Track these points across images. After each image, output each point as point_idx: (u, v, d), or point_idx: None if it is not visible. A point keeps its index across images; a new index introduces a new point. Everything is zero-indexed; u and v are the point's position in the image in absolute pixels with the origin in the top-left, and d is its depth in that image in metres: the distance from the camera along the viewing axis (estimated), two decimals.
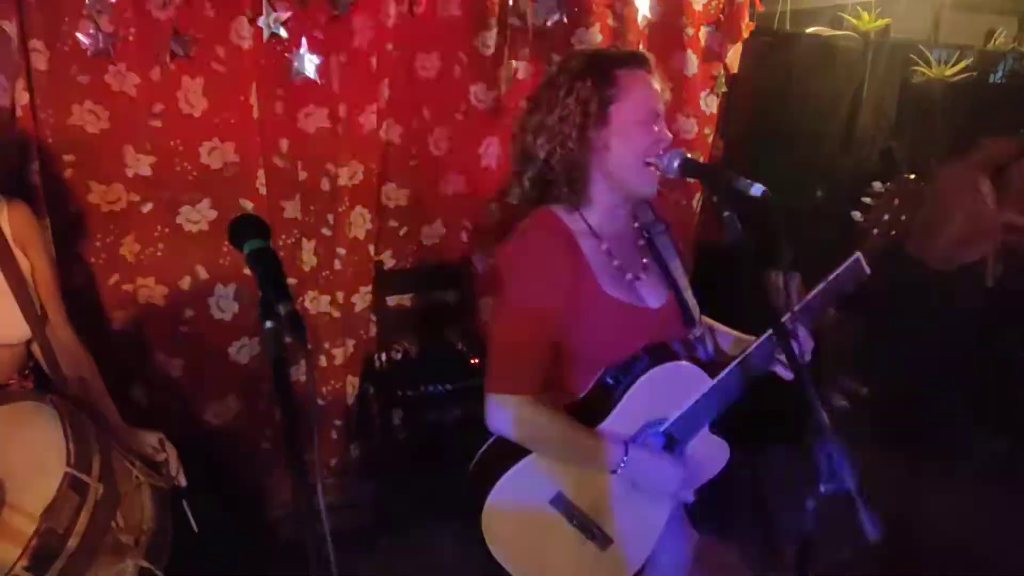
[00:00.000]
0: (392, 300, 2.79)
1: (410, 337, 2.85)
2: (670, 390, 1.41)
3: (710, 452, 1.50)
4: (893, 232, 1.36)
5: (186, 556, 1.42)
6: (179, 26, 2.12)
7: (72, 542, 1.07)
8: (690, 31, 2.81)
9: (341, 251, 2.57)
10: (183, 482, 1.52)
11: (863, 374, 3.21)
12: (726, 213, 1.25)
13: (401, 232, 2.76)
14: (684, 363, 1.41)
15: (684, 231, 1.61)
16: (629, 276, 1.43)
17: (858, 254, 1.38)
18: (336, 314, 2.61)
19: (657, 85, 1.40)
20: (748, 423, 1.60)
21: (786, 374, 1.38)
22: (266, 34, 2.20)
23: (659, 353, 1.41)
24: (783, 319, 1.27)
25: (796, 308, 1.35)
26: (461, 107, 2.67)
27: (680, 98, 2.83)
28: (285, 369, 0.97)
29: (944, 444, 2.85)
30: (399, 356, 2.78)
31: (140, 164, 2.19)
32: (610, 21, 2.70)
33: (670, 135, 1.39)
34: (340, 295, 2.60)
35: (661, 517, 1.47)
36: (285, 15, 2.21)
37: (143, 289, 2.27)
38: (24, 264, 1.48)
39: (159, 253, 2.27)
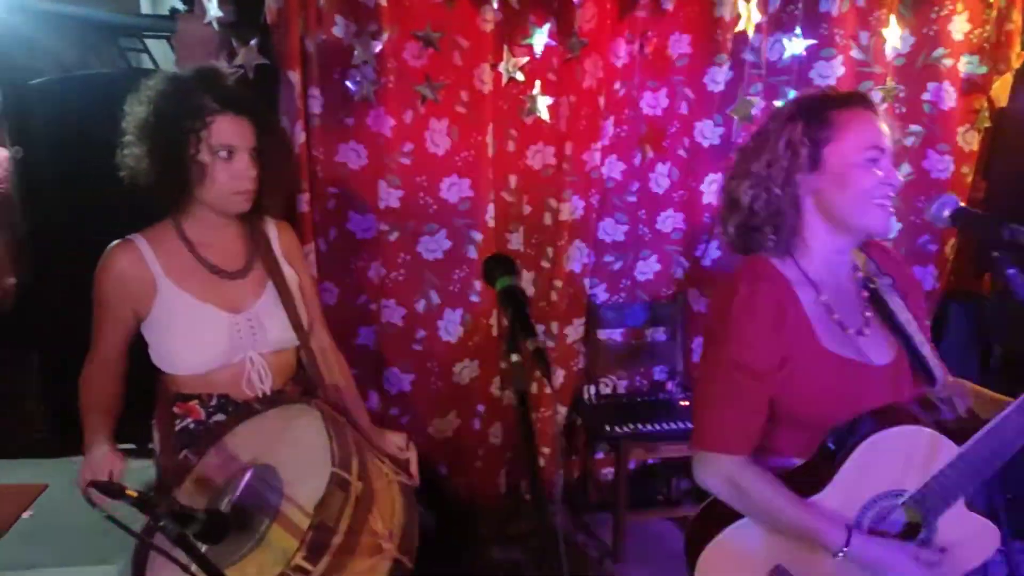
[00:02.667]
0: (603, 334, 2.81)
1: (618, 372, 2.85)
2: (903, 458, 1.25)
3: (969, 535, 1.30)
4: None
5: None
6: (431, 73, 2.32)
7: (337, 537, 1.17)
8: (948, 62, 2.55)
9: (558, 283, 2.64)
10: (417, 482, 1.60)
11: None
12: (1010, 271, 1.12)
13: (615, 267, 2.78)
14: (919, 427, 1.24)
15: (915, 285, 1.44)
16: (851, 330, 1.31)
17: None
18: (549, 344, 2.68)
19: (883, 125, 1.28)
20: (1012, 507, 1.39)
21: None
22: (505, 78, 2.34)
23: (888, 415, 1.26)
24: None
25: None
26: (685, 144, 2.64)
27: (934, 133, 2.58)
28: (528, 401, 1.02)
29: None
30: (608, 391, 2.79)
31: (390, 197, 2.42)
32: (854, 53, 2.54)
33: (899, 177, 1.28)
34: (554, 326, 2.68)
35: None
36: (523, 60, 2.33)
37: (385, 309, 2.50)
38: (292, 278, 1.66)
39: (400, 277, 2.49)
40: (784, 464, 1.33)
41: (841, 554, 1.22)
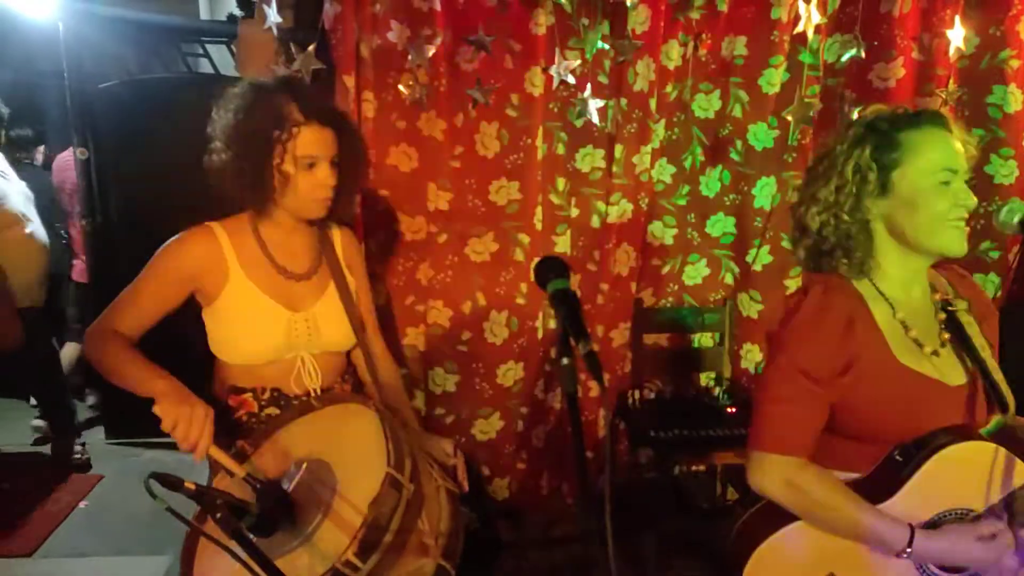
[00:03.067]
0: (649, 338, 2.79)
1: (664, 377, 2.82)
2: (974, 475, 1.22)
3: None
4: None
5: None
6: (482, 77, 2.33)
7: (388, 537, 1.18)
8: (1015, 63, 2.45)
9: (604, 286, 2.63)
10: (466, 488, 1.62)
11: None
12: None
13: (663, 271, 2.76)
14: (992, 446, 1.22)
15: (991, 311, 1.40)
16: (927, 349, 1.28)
17: None
18: (595, 347, 2.66)
19: (956, 143, 1.25)
20: None
21: None
22: (556, 81, 2.33)
23: (962, 431, 1.23)
24: None
25: None
26: (738, 147, 2.60)
27: (996, 138, 2.48)
28: (578, 404, 1.02)
29: None
30: (652, 395, 2.77)
31: (440, 200, 2.44)
32: (915, 55, 2.46)
33: (974, 199, 1.23)
34: (600, 329, 2.67)
35: None
36: (575, 63, 2.33)
37: (432, 311, 2.52)
38: (351, 282, 1.71)
39: (448, 279, 2.51)
40: (846, 477, 1.30)
41: (906, 554, 1.20)
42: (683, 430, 2.50)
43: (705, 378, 2.84)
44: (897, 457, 1.26)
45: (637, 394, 2.72)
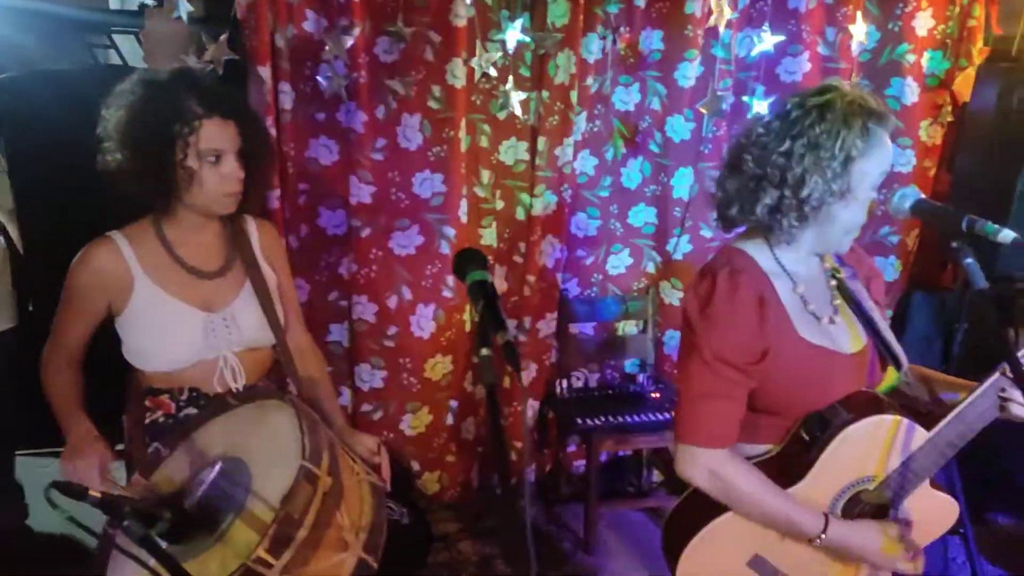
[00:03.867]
0: (575, 328, 2.83)
1: (590, 365, 2.88)
2: (875, 446, 1.29)
3: (933, 511, 1.36)
4: None
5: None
6: (403, 69, 2.32)
7: (303, 531, 1.16)
8: (911, 58, 2.60)
9: (530, 278, 2.66)
10: (388, 486, 1.60)
11: None
12: (968, 260, 1.13)
13: (588, 261, 2.80)
14: (887, 416, 1.29)
15: (875, 273, 1.48)
16: (824, 320, 1.34)
17: None
18: (522, 338, 2.70)
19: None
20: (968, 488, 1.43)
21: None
22: (478, 74, 2.34)
23: (858, 405, 1.30)
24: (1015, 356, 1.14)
25: None
26: (657, 139, 2.67)
27: (895, 128, 2.62)
28: (497, 395, 1.02)
29: None
30: (579, 384, 2.81)
31: (362, 193, 2.41)
32: (820, 49, 2.58)
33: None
34: (527, 320, 2.69)
35: None
36: (496, 55, 2.34)
37: (356, 306, 2.49)
38: (270, 277, 1.67)
39: (372, 274, 2.48)
40: (758, 451, 1.36)
41: (819, 540, 1.27)
42: (609, 416, 2.55)
43: (630, 365, 2.91)
44: (804, 436, 1.31)
45: (564, 383, 2.76)
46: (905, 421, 1.29)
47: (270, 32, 2.21)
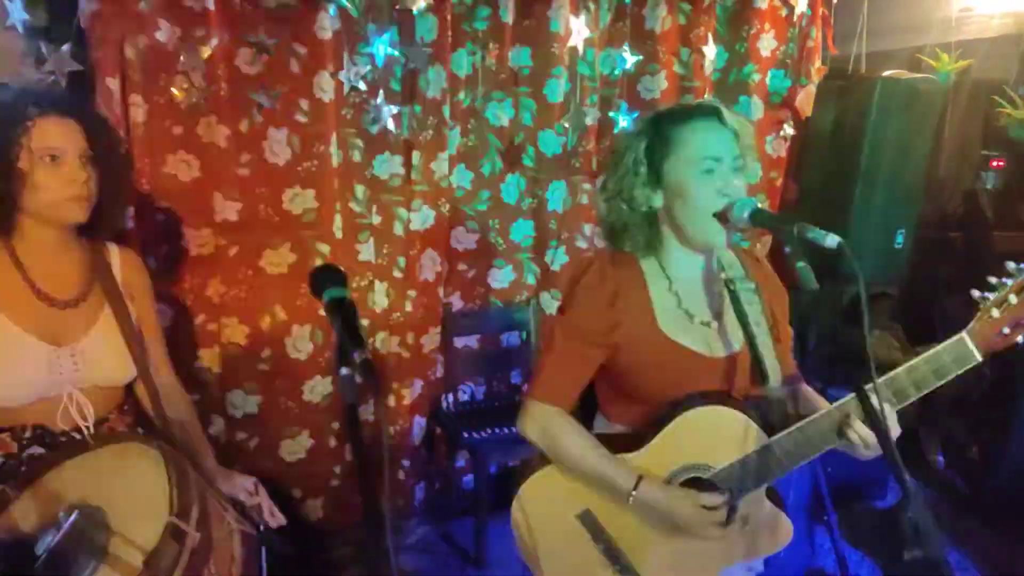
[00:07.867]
0: (459, 342, 2.82)
1: (476, 378, 2.88)
2: (716, 437, 1.37)
3: (768, 525, 1.44)
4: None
5: None
6: (267, 81, 2.24)
7: None
8: (756, 76, 2.81)
9: (412, 293, 2.63)
10: (282, 520, 1.54)
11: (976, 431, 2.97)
12: (800, 264, 1.21)
13: (469, 275, 2.81)
14: (734, 412, 1.36)
15: (780, 293, 1.56)
16: (697, 321, 1.42)
17: (963, 335, 1.27)
18: (405, 354, 2.66)
19: (727, 132, 1.35)
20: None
21: (861, 452, 1.29)
22: (347, 87, 2.31)
23: (711, 398, 1.38)
24: (863, 386, 1.20)
25: (879, 380, 1.25)
26: (531, 153, 2.72)
27: None
28: (357, 415, 0.99)
29: None
30: (466, 397, 2.81)
31: (228, 210, 2.30)
32: (676, 68, 2.73)
33: (737, 184, 1.34)
34: (410, 336, 2.66)
35: None
36: (364, 69, 2.31)
37: (226, 329, 2.37)
38: (132, 309, 1.55)
39: (242, 295, 2.37)
40: (614, 430, 1.47)
41: (631, 497, 1.34)
42: (497, 428, 2.56)
43: (515, 376, 2.93)
44: (652, 416, 1.41)
45: (451, 397, 2.74)
46: (747, 420, 1.36)
47: (119, 42, 2.08)
